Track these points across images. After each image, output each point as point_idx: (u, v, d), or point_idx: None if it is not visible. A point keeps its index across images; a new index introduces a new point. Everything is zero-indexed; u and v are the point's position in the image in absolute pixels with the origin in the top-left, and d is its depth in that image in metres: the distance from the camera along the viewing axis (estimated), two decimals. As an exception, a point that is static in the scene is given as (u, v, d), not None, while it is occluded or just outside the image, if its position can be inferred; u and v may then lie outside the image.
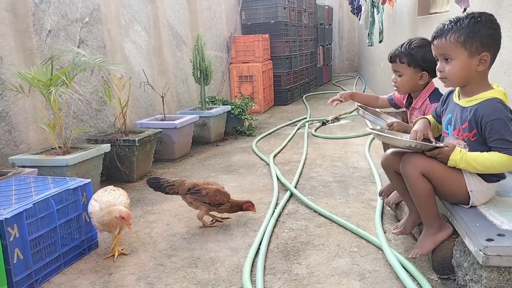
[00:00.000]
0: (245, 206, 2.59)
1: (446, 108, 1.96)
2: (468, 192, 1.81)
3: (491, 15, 1.77)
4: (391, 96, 2.67)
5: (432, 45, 1.87)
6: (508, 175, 2.16)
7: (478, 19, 1.73)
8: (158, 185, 2.60)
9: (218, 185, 2.61)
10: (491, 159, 1.72)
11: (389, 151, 2.07)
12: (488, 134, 1.72)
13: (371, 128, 2.11)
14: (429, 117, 2.07)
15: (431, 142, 1.88)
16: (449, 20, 1.79)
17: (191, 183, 2.58)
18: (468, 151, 1.80)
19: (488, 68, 1.79)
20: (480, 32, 1.71)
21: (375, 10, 5.71)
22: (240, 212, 2.74)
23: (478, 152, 1.76)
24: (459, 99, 1.87)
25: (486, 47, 1.72)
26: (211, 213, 2.63)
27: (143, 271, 2.13)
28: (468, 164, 1.76)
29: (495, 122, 1.70)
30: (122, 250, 2.32)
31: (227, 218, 2.68)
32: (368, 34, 6.21)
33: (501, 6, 2.34)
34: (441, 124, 2.03)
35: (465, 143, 1.82)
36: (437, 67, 1.86)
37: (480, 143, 1.77)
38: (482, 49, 1.72)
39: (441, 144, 1.84)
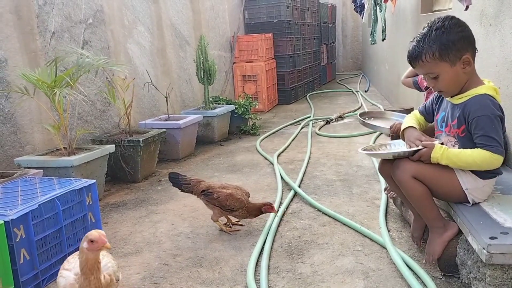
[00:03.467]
0: (264, 208, 2.46)
1: (439, 106, 1.98)
2: (464, 191, 1.81)
3: (453, 17, 1.77)
4: (415, 79, 2.89)
5: (413, 67, 1.89)
6: (508, 172, 2.16)
7: (442, 28, 1.73)
8: (176, 181, 2.59)
9: (236, 189, 2.51)
10: (473, 156, 1.72)
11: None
12: (473, 130, 1.73)
13: (361, 149, 2.11)
14: (413, 119, 2.08)
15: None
16: (416, 40, 1.79)
17: (206, 185, 2.53)
18: (458, 147, 1.82)
19: (473, 63, 1.79)
20: (450, 40, 1.72)
21: (378, 8, 5.70)
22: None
23: (461, 149, 1.77)
24: (451, 97, 1.87)
25: (464, 50, 1.73)
26: (228, 216, 2.59)
27: (148, 270, 2.14)
28: (449, 160, 1.77)
29: (481, 118, 1.71)
30: None
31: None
32: (371, 32, 6.21)
33: (504, 4, 2.33)
34: (427, 120, 2.09)
35: (455, 140, 1.84)
36: (427, 83, 1.90)
37: (469, 139, 1.78)
38: (460, 53, 1.73)
39: (420, 147, 1.85)
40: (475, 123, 1.72)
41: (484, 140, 1.71)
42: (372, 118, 2.67)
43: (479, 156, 1.72)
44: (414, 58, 1.82)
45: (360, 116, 2.63)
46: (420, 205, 1.89)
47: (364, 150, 2.09)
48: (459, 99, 1.81)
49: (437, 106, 2.01)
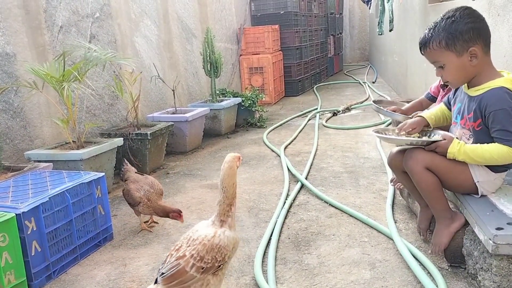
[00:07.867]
0: (172, 215, 2.40)
1: (457, 97, 1.96)
2: (475, 183, 1.81)
3: (467, 8, 1.76)
4: (427, 92, 2.60)
5: (422, 54, 1.89)
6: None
7: (453, 18, 1.73)
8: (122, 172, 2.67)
9: (138, 184, 2.50)
10: (491, 151, 1.71)
11: (394, 150, 2.08)
12: (491, 124, 1.71)
13: (374, 131, 2.09)
14: (433, 112, 2.07)
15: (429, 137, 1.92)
16: (428, 28, 1.82)
17: (129, 177, 2.59)
18: (473, 141, 1.80)
19: (487, 56, 1.77)
20: (458, 30, 1.71)
21: (386, -2, 5.66)
22: (250, 204, 2.77)
23: (478, 144, 1.75)
24: (468, 88, 1.86)
25: (471, 42, 1.72)
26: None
27: (157, 261, 2.17)
28: (466, 156, 1.76)
29: (498, 112, 1.68)
30: None
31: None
32: (378, 23, 6.16)
33: (513, -7, 2.30)
34: (450, 110, 2.04)
35: (470, 133, 1.82)
36: (435, 73, 1.89)
37: (485, 133, 1.76)
38: (468, 45, 1.72)
39: (439, 138, 1.84)
40: (492, 117, 1.69)
41: (501, 134, 1.68)
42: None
43: (497, 151, 1.69)
44: (423, 44, 1.84)
45: (375, 103, 2.61)
46: (430, 196, 1.89)
47: (377, 132, 2.06)
48: (475, 91, 1.79)
49: (454, 96, 1.99)
